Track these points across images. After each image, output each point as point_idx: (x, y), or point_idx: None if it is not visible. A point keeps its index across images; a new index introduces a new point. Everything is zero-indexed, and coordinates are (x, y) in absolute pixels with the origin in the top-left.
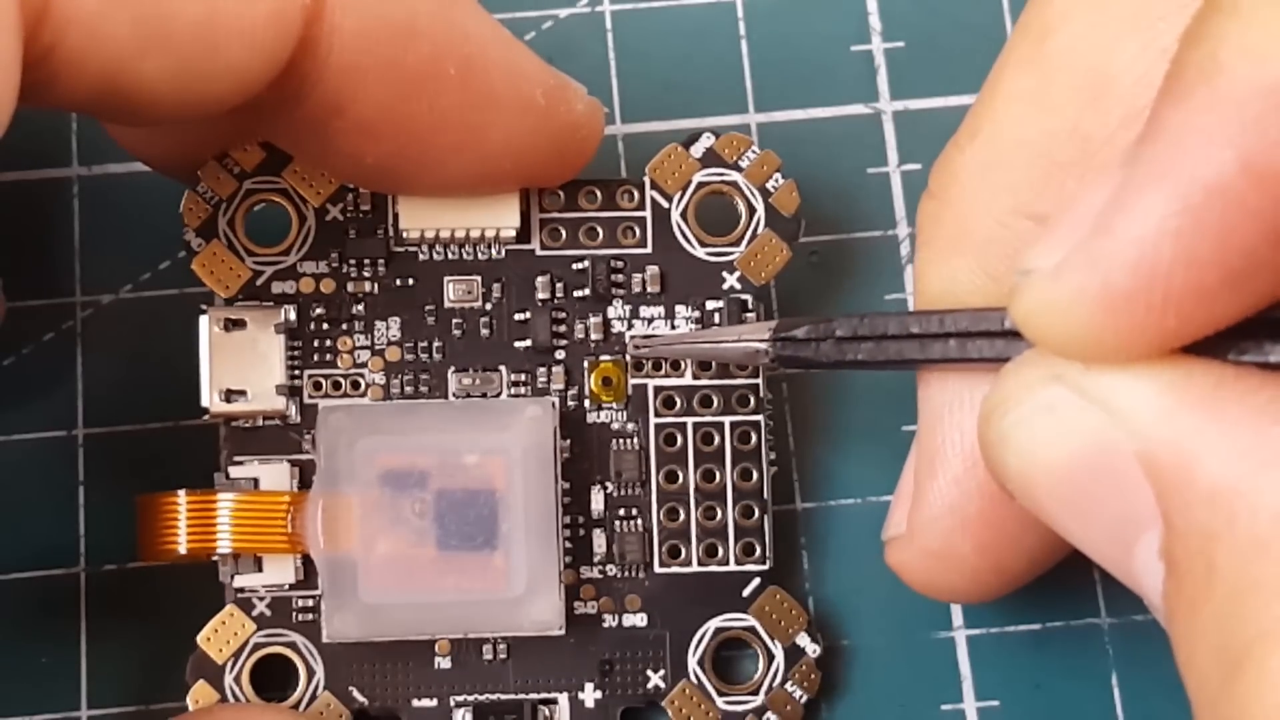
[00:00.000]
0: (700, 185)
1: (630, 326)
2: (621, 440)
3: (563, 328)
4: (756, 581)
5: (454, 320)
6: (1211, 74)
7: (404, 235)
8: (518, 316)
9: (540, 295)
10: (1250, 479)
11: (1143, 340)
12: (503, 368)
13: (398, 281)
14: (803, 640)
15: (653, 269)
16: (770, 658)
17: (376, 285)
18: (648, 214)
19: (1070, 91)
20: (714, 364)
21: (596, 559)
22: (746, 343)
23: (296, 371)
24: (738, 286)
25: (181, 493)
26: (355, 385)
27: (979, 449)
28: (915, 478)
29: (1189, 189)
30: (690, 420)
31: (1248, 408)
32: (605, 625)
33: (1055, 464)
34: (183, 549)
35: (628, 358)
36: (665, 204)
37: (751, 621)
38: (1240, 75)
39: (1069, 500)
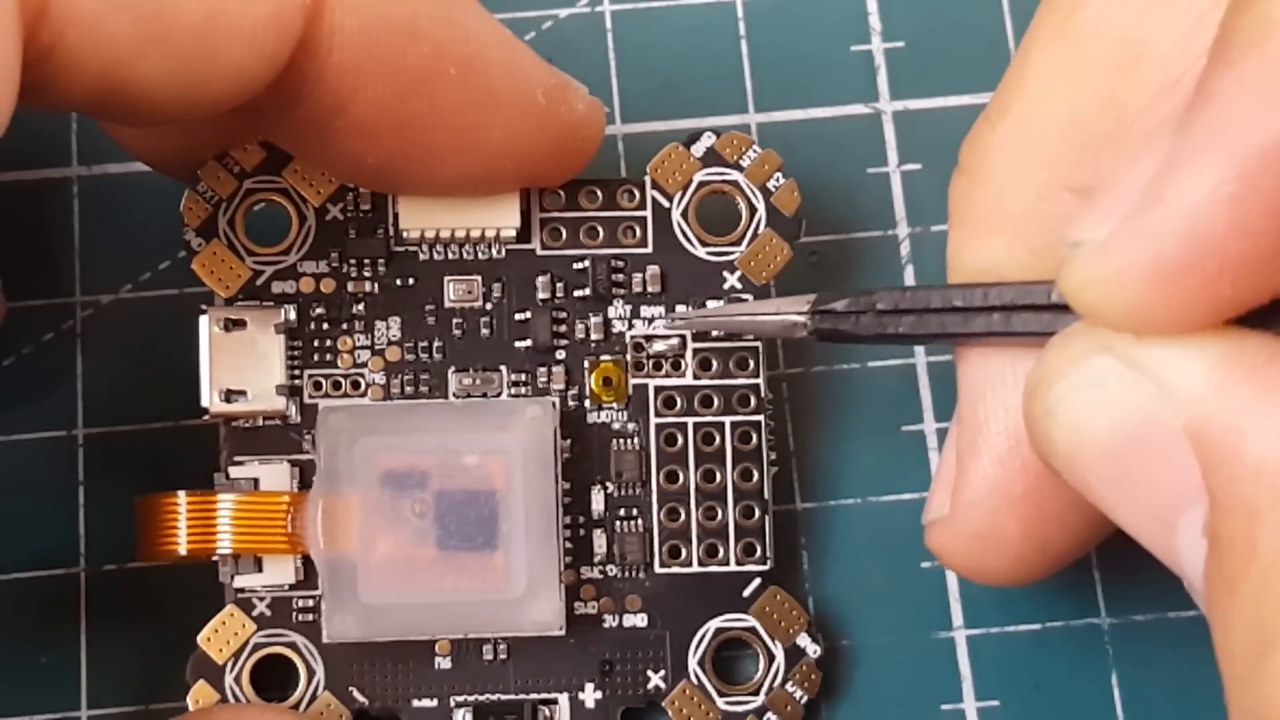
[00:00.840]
0: (701, 185)
1: (631, 326)
2: (622, 440)
3: (563, 327)
4: (757, 582)
5: (454, 320)
6: (1262, 38)
7: (404, 235)
8: (518, 316)
9: (541, 295)
10: None
11: (1195, 311)
12: (503, 368)
13: (398, 281)
14: (803, 640)
15: (653, 269)
16: (771, 658)
17: (377, 285)
18: (648, 213)
19: (1103, 63)
20: (714, 363)
21: (597, 559)
22: (785, 315)
23: (297, 371)
24: (738, 286)
25: (181, 493)
26: (355, 385)
27: (1023, 425)
28: (958, 458)
29: (1242, 155)
30: (691, 420)
31: None
32: (605, 625)
33: (1102, 437)
34: (183, 550)
35: (628, 358)
36: (666, 203)
37: (752, 622)
38: None
39: (1114, 475)
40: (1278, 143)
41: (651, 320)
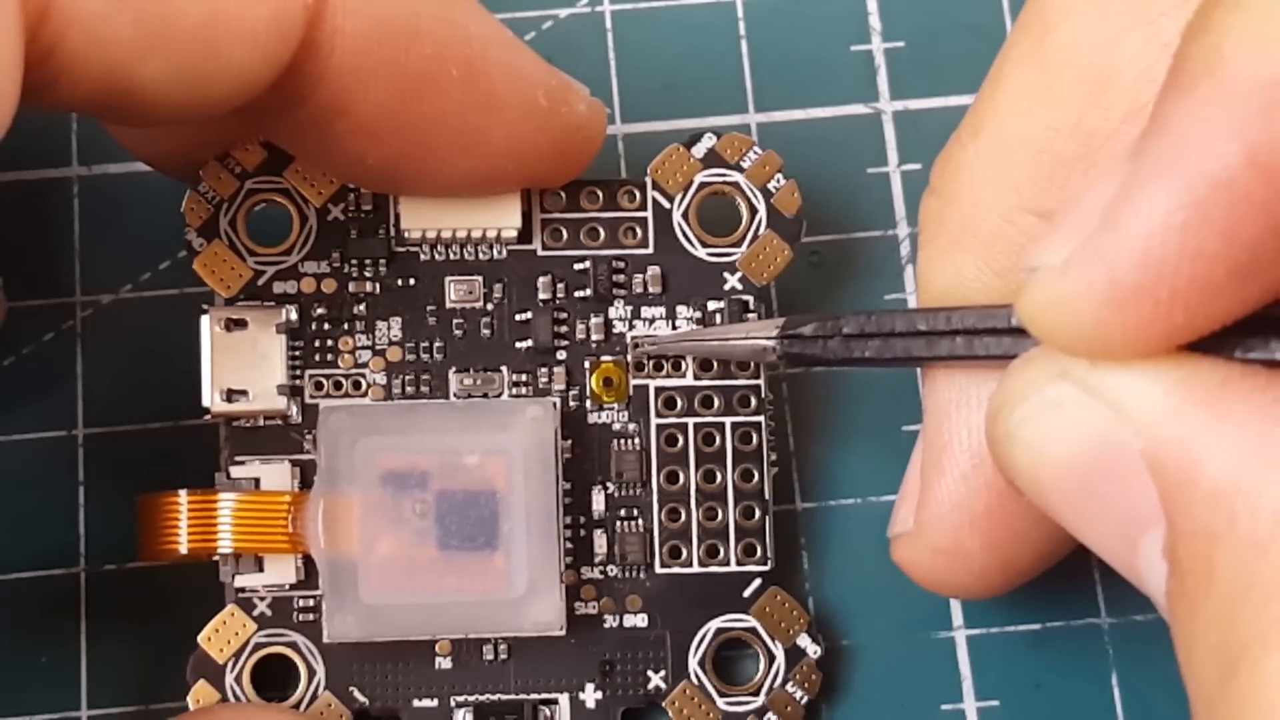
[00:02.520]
0: (702, 186)
1: (632, 327)
2: (622, 441)
3: (564, 328)
4: (757, 582)
5: (455, 320)
6: (1215, 67)
7: (405, 235)
8: (519, 317)
9: (542, 295)
10: (1252, 480)
11: (1149, 336)
12: (504, 368)
13: (399, 281)
14: (803, 641)
15: (654, 269)
16: (771, 658)
17: (378, 285)
18: (649, 214)
19: (1073, 87)
20: (715, 363)
21: (597, 559)
22: (754, 340)
23: (298, 371)
24: (739, 287)
25: (182, 493)
26: (356, 385)
27: (986, 445)
28: (922, 474)
29: (1194, 183)
30: (691, 421)
31: (1252, 407)
32: (606, 626)
33: (1062, 460)
34: (184, 549)
35: (629, 358)
36: (667, 204)
37: (752, 622)
38: (1243, 68)
39: (1075, 497)
40: (1228, 170)
41: (652, 321)
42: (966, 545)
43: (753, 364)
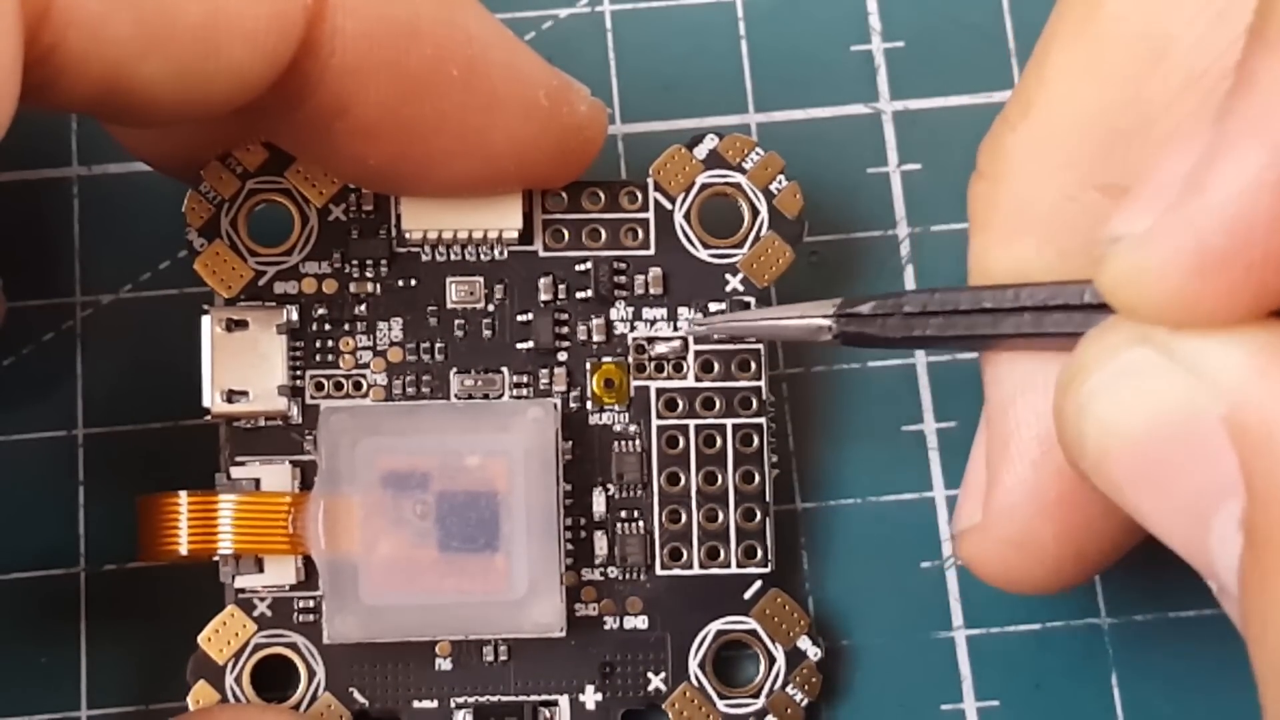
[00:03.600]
0: (704, 187)
1: (633, 328)
2: (623, 442)
3: (565, 329)
4: (758, 584)
5: (456, 321)
6: None
7: (406, 236)
8: (520, 318)
9: (543, 296)
10: None
11: (1239, 303)
12: (505, 369)
13: (400, 282)
14: (804, 643)
15: (655, 271)
16: (771, 661)
17: (379, 286)
18: (651, 215)
19: (1126, 59)
20: (715, 365)
21: (598, 561)
22: (809, 319)
23: (298, 372)
24: (740, 289)
25: (183, 493)
26: (357, 386)
27: (1054, 427)
28: (988, 465)
29: None
30: (692, 422)
31: None
32: (606, 627)
33: (1136, 431)
34: (184, 550)
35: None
36: (668, 205)
37: (753, 624)
38: None
39: (1147, 473)
40: None
41: (654, 322)
42: (1039, 536)
43: (763, 358)
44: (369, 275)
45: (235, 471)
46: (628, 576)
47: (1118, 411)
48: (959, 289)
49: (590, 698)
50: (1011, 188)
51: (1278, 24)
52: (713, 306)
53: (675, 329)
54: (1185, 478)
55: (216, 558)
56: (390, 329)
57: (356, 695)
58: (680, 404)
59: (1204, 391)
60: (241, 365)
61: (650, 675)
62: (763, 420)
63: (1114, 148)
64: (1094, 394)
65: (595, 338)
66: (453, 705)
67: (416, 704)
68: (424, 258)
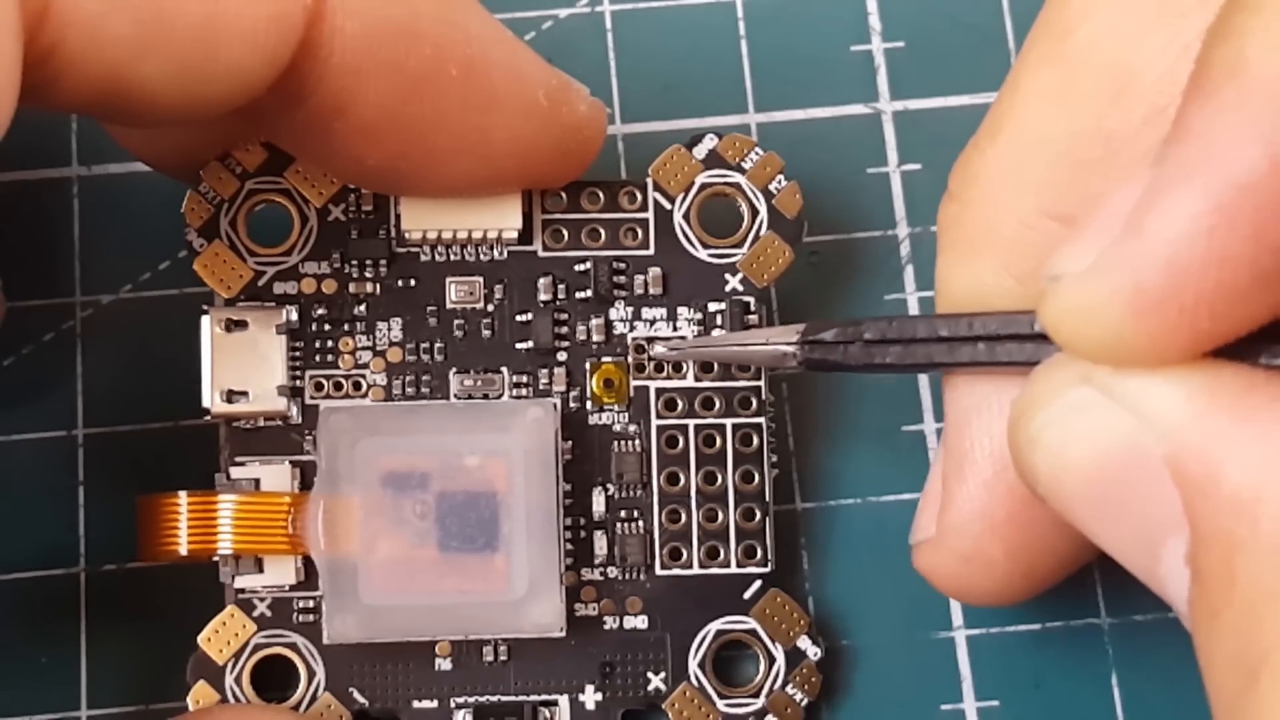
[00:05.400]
0: (703, 187)
1: (632, 328)
2: (623, 442)
3: (564, 329)
4: (758, 584)
5: (456, 321)
6: (1238, 70)
7: (406, 236)
8: (519, 318)
9: (542, 296)
10: (1276, 486)
11: (1174, 343)
12: (504, 369)
13: (399, 282)
14: (803, 643)
15: (655, 270)
16: (771, 660)
17: (378, 286)
18: (650, 215)
19: (1093, 89)
20: (715, 365)
21: (597, 561)
22: (774, 346)
23: (298, 372)
24: (740, 288)
25: (182, 494)
26: (356, 386)
27: (1008, 452)
28: (944, 481)
29: (1220, 188)
30: (692, 422)
31: (1277, 413)
32: (606, 627)
33: (1084, 466)
34: (183, 550)
35: (629, 360)
36: (668, 205)
37: (752, 624)
38: (1266, 71)
39: (1096, 503)
40: (1254, 175)
41: (653, 323)
42: (988, 552)
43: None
44: (368, 275)
45: (235, 472)
46: (627, 576)
47: (1066, 446)
48: (916, 317)
49: (590, 698)
50: (977, 210)
51: (1215, 75)
52: (712, 306)
53: (675, 329)
54: (1133, 511)
55: (216, 558)
56: (390, 329)
57: (356, 695)
58: (680, 404)
59: (1146, 432)
60: (241, 365)
61: (650, 675)
62: (762, 420)
63: (1076, 177)
64: (1042, 429)
65: (595, 338)
66: (452, 705)
67: (416, 704)
68: (423, 258)
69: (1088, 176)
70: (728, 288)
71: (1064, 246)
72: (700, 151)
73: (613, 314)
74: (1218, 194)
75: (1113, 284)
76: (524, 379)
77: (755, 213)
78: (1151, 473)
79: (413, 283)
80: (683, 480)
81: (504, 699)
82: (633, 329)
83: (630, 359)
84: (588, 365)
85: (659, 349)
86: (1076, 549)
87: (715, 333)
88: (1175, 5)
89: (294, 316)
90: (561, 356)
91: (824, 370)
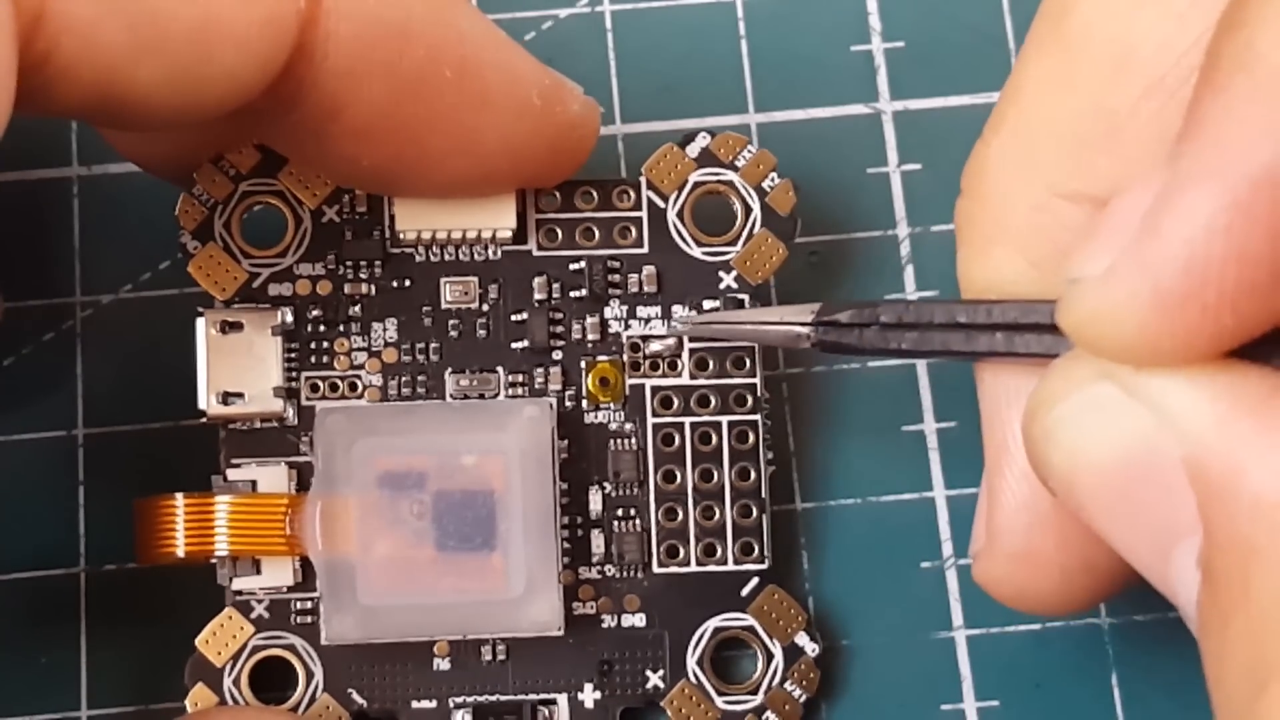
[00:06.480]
0: (696, 185)
1: (627, 327)
2: (619, 440)
3: (560, 328)
4: (755, 581)
5: (451, 321)
6: (1250, 63)
7: (400, 237)
8: (514, 317)
9: (537, 296)
10: None
11: (1197, 342)
12: (500, 368)
13: (394, 283)
14: (801, 639)
15: (649, 269)
16: (769, 657)
17: (373, 287)
18: (644, 214)
19: (1092, 68)
20: (711, 362)
21: (595, 559)
22: (788, 325)
23: (293, 374)
24: (734, 286)
25: (179, 496)
26: (352, 387)
27: (1024, 446)
28: (986, 480)
29: (1236, 183)
30: (688, 420)
31: None
32: (604, 625)
33: (1099, 463)
34: (181, 552)
35: (624, 356)
36: (661, 204)
37: (750, 621)
38: (1278, 62)
39: (1110, 501)
40: (1270, 169)
41: (648, 320)
42: (1040, 548)
43: (758, 355)
44: (363, 276)
45: (231, 474)
46: (625, 574)
47: (1082, 442)
48: (935, 301)
49: (589, 696)
50: (989, 202)
51: (1226, 68)
52: (707, 304)
53: (669, 326)
54: (1146, 511)
55: (214, 560)
56: (385, 330)
57: (355, 696)
58: (675, 401)
59: (1165, 432)
60: (237, 367)
61: (648, 673)
62: (758, 417)
63: (1081, 156)
64: (1059, 422)
65: (590, 336)
66: (451, 705)
67: (415, 704)
68: (418, 258)
69: (1093, 154)
70: (722, 285)
71: (1080, 248)
72: (693, 150)
73: (607, 313)
74: (1234, 190)
75: (1133, 285)
76: (519, 378)
77: (748, 210)
78: (1168, 473)
79: (407, 283)
80: (679, 478)
81: (502, 698)
82: (627, 327)
83: (625, 357)
84: (583, 364)
85: (660, 325)
86: None
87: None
88: None
89: (289, 318)
90: (557, 355)
91: (837, 353)
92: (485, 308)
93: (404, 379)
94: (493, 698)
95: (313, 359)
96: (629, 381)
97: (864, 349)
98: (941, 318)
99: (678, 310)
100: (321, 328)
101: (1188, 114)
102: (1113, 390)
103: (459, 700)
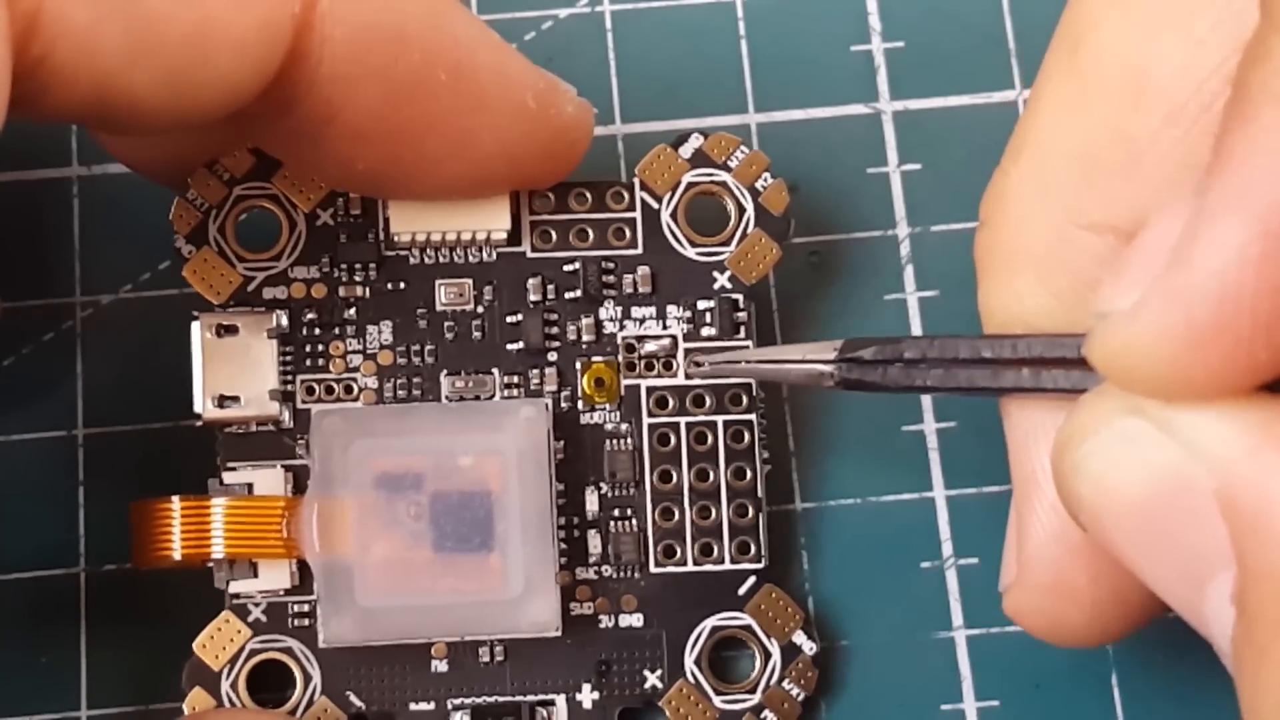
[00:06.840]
0: (690, 186)
1: (622, 327)
2: (615, 441)
3: (555, 329)
4: (752, 580)
5: (446, 323)
6: (1277, 93)
7: (395, 239)
8: (509, 319)
9: (532, 297)
10: None
11: (1230, 375)
12: (495, 370)
13: (389, 285)
14: (799, 638)
15: (643, 270)
16: (766, 656)
17: (368, 289)
18: (638, 215)
19: (1109, 94)
20: (705, 362)
21: (592, 560)
22: (811, 364)
23: (289, 377)
24: (728, 286)
25: (175, 499)
26: (348, 390)
27: (1053, 480)
28: (1014, 511)
29: (1265, 214)
30: (683, 420)
31: None
32: (602, 626)
33: (1129, 497)
34: (177, 555)
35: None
36: (655, 205)
37: (747, 620)
38: None
39: (1141, 536)
40: None
41: (642, 321)
42: (1071, 579)
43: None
44: (358, 279)
45: (228, 477)
46: (622, 574)
47: (1112, 476)
48: (958, 338)
49: (587, 696)
50: (1008, 232)
51: (1254, 100)
52: (700, 304)
53: (691, 366)
54: (1179, 545)
55: (210, 563)
56: (380, 332)
57: (353, 698)
58: (671, 401)
59: (1197, 465)
60: (232, 371)
61: (646, 673)
62: (753, 416)
63: (1103, 184)
64: (1089, 456)
65: (585, 337)
66: (449, 706)
67: (413, 706)
68: (412, 260)
69: (1113, 182)
70: (716, 285)
71: (1107, 283)
72: (686, 150)
73: (602, 313)
74: (1264, 220)
75: (1164, 318)
76: (515, 380)
77: (742, 210)
78: (1200, 507)
79: (402, 285)
80: (675, 478)
81: (501, 699)
82: (622, 328)
83: (620, 358)
84: (578, 365)
85: (694, 367)
86: None
87: (705, 331)
88: (1184, 3)
89: (284, 321)
90: (552, 356)
91: (861, 390)
92: (480, 309)
93: (399, 381)
94: (491, 699)
95: (308, 362)
96: (624, 382)
97: (888, 386)
98: (966, 353)
99: (672, 310)
100: (317, 331)
101: (1215, 145)
102: (1143, 424)
103: (457, 701)
